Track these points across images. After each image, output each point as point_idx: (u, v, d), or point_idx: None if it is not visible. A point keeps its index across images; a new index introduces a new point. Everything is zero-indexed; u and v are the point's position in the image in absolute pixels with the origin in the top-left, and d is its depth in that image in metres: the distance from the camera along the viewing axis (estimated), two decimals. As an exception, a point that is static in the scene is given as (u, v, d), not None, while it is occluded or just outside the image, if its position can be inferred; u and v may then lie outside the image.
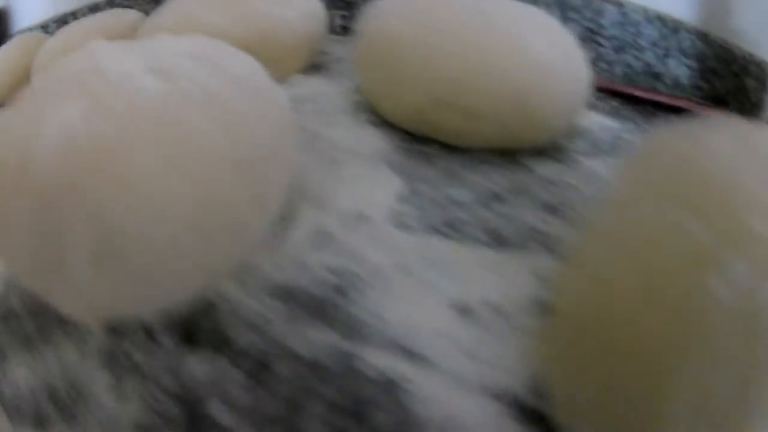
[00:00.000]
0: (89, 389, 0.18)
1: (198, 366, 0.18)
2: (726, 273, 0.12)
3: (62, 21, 0.45)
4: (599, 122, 0.31)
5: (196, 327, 0.19)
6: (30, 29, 0.45)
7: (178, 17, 0.30)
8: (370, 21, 0.27)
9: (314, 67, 0.33)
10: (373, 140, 0.27)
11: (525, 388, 0.17)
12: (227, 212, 0.18)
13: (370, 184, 0.24)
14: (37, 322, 0.20)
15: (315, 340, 0.18)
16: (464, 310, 0.19)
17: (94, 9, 0.43)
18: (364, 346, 0.18)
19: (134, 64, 0.19)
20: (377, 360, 0.18)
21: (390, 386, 0.17)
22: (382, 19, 0.26)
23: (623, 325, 0.14)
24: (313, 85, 0.31)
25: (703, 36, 0.44)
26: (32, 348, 0.19)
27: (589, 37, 0.42)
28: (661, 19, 0.44)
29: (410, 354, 0.18)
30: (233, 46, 0.22)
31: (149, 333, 0.19)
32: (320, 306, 0.19)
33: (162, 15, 0.31)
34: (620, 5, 0.43)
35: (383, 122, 0.28)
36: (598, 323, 0.14)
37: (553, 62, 0.25)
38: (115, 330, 0.19)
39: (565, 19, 0.43)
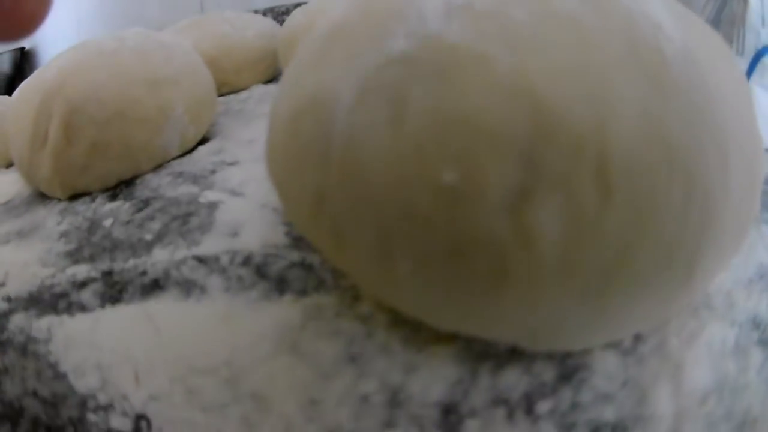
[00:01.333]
0: (42, 224, 0.28)
1: (107, 206, 0.28)
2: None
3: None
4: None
5: (120, 191, 0.29)
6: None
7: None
8: (285, 23, 0.39)
9: (274, 79, 0.45)
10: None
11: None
12: (141, 108, 0.29)
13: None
14: (27, 206, 0.31)
15: (181, 190, 0.28)
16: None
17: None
18: (208, 191, 0.27)
19: (106, 37, 0.32)
20: (211, 195, 0.26)
21: (210, 206, 0.26)
22: (290, 19, 0.38)
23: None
24: (264, 89, 0.43)
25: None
26: (19, 216, 0.30)
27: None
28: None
29: (233, 192, 0.26)
30: (204, 61, 0.34)
31: (92, 197, 0.29)
32: (195, 178, 0.29)
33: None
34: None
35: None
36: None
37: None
38: (73, 197, 0.30)
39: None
